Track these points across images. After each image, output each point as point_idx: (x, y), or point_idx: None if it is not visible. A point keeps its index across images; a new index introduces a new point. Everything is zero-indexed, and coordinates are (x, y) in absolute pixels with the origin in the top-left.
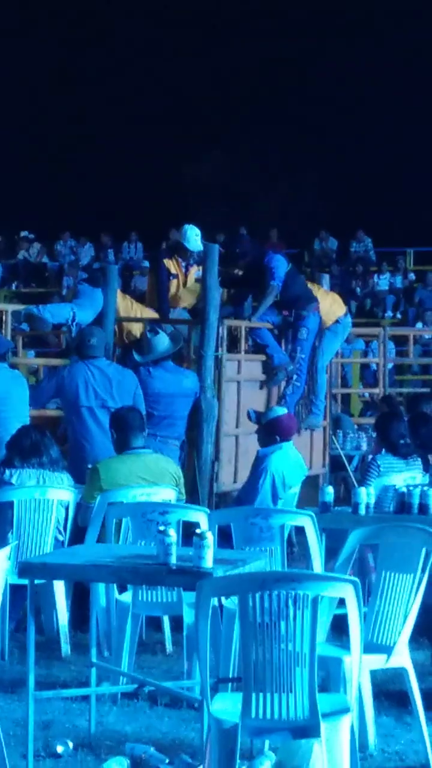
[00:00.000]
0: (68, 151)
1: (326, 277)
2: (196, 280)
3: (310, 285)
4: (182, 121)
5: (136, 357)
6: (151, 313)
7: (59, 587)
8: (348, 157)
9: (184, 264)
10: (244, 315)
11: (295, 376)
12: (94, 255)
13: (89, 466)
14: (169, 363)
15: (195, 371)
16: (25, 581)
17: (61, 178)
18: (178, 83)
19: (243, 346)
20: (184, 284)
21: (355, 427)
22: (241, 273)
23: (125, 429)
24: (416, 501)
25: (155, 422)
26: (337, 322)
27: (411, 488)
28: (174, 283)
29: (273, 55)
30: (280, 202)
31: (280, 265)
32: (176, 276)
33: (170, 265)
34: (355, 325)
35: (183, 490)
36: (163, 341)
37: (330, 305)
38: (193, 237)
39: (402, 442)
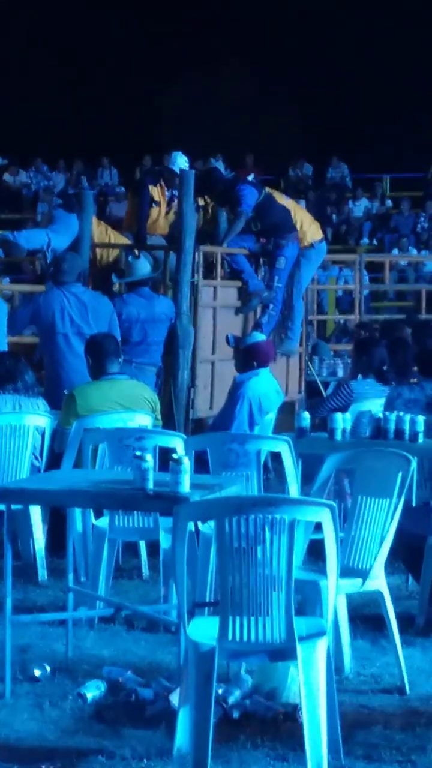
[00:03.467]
0: (41, 76)
1: (302, 203)
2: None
3: (286, 202)
4: (157, 45)
5: (115, 279)
6: (125, 240)
7: (36, 513)
8: (324, 82)
9: (168, 193)
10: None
11: (271, 305)
12: (68, 181)
13: (65, 392)
14: (144, 289)
15: (171, 297)
16: (2, 507)
17: (33, 104)
18: (153, 6)
19: (219, 272)
20: (166, 214)
21: (331, 353)
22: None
23: (100, 355)
24: (392, 426)
25: (130, 348)
26: (311, 246)
27: (387, 414)
28: (155, 210)
29: None
30: (256, 129)
31: (249, 193)
32: (158, 203)
33: (154, 191)
34: (330, 251)
35: (159, 416)
36: (144, 265)
37: (309, 225)
38: (183, 163)
39: (384, 368)
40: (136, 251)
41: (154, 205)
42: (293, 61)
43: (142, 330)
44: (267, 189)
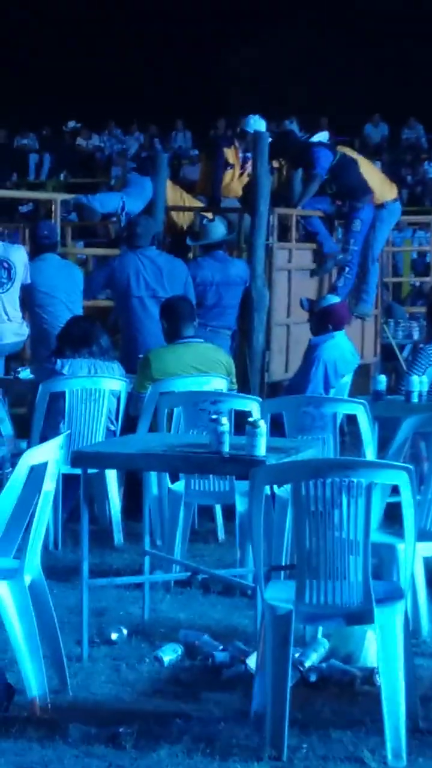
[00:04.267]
0: (114, 40)
1: (377, 165)
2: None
3: (358, 158)
4: (231, 7)
5: (189, 242)
6: (199, 204)
7: (112, 476)
8: (399, 41)
9: (241, 155)
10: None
11: (347, 268)
12: (142, 144)
13: (140, 356)
14: (218, 252)
15: (245, 260)
16: (78, 471)
17: (106, 67)
18: None
19: (294, 234)
20: (239, 176)
21: (407, 315)
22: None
23: (176, 318)
24: None
25: (205, 312)
26: (383, 206)
27: None
28: (229, 173)
29: None
30: (330, 90)
31: (324, 156)
32: (233, 166)
33: (228, 154)
34: (405, 213)
35: (234, 380)
36: (218, 228)
37: (380, 184)
38: (260, 126)
39: None
40: (211, 214)
41: (228, 168)
42: (366, 21)
43: (217, 293)
44: (340, 148)
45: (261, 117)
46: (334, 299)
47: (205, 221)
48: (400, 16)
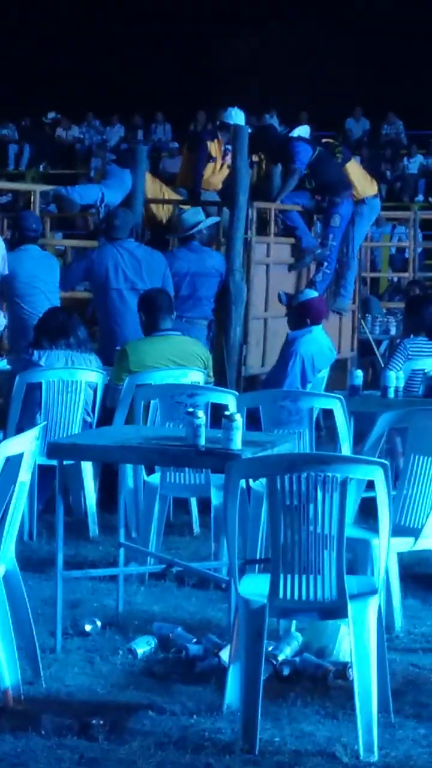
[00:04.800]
0: (93, 31)
1: (357, 159)
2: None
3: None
4: (209, 1)
5: (167, 236)
6: (179, 197)
7: (87, 468)
8: (378, 39)
9: (223, 148)
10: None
11: (325, 263)
12: (123, 136)
13: (118, 348)
14: (194, 243)
15: (224, 254)
16: (54, 462)
17: (87, 60)
18: None
19: (272, 228)
20: (219, 169)
21: (384, 311)
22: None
23: (154, 311)
24: None
25: (180, 303)
26: (363, 202)
27: None
28: (210, 166)
29: None
30: (311, 85)
31: (303, 150)
32: (214, 159)
33: (211, 147)
34: (384, 208)
35: (211, 373)
36: (192, 217)
37: (360, 180)
38: (239, 119)
39: None
40: (189, 207)
41: (210, 161)
42: (347, 15)
43: (191, 284)
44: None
45: (241, 110)
46: (312, 294)
47: (177, 212)
48: (382, 14)
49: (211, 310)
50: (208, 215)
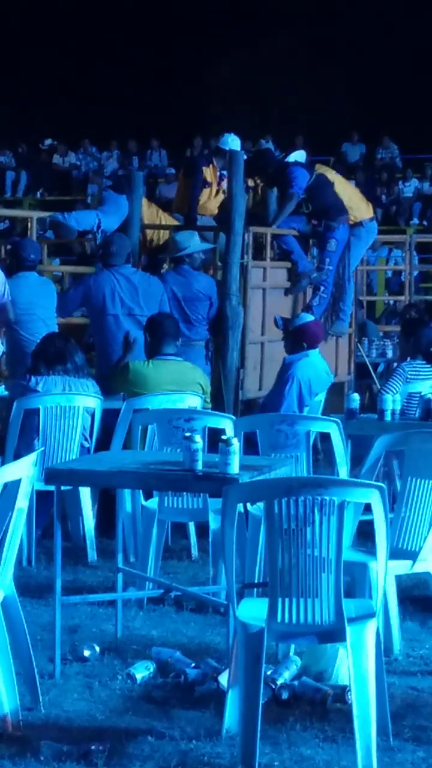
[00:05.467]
0: (88, 57)
1: (352, 183)
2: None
3: (335, 177)
4: (205, 25)
5: (159, 255)
6: (176, 222)
7: (85, 493)
8: (374, 62)
9: (219, 174)
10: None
11: (322, 288)
12: (118, 162)
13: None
14: (183, 266)
15: (220, 278)
16: (52, 488)
17: (82, 87)
18: None
19: (269, 253)
20: (215, 195)
21: (381, 334)
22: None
23: (160, 335)
24: None
25: None
26: (360, 224)
27: None
28: (206, 192)
29: None
30: (306, 110)
31: (300, 175)
32: (210, 185)
33: (207, 172)
34: (380, 232)
35: (209, 399)
36: (187, 240)
37: (357, 203)
38: (234, 144)
39: None
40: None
41: (206, 186)
42: (343, 39)
43: (179, 308)
44: (318, 167)
45: (236, 135)
46: (308, 318)
47: (173, 234)
48: (377, 38)
49: (206, 330)
50: (204, 241)
